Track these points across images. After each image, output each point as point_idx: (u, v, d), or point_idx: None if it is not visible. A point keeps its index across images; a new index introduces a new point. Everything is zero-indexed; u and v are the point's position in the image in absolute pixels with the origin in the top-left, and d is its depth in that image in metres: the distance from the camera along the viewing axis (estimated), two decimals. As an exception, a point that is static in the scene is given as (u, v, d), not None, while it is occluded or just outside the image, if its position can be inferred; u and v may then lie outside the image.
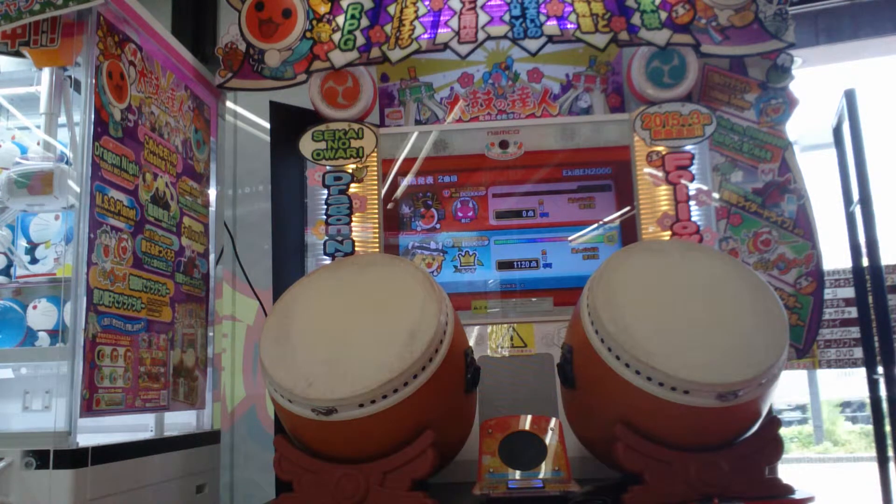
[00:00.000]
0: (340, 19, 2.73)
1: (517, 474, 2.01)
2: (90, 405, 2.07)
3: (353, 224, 2.70)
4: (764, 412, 1.81)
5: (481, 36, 2.65)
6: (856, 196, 3.06)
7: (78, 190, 2.17)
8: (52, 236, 2.55)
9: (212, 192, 3.00)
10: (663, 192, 2.63)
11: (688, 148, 2.64)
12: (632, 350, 1.72)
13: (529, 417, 2.13)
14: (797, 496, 1.78)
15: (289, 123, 2.76)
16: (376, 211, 2.72)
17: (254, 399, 3.59)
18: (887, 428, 2.99)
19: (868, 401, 3.15)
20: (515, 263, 2.68)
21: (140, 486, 2.28)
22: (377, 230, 2.71)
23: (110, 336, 2.20)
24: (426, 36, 2.68)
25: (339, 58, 2.71)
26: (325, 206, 2.72)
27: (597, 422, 1.95)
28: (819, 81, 4.53)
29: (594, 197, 2.71)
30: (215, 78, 2.78)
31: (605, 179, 2.72)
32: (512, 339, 2.55)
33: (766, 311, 1.80)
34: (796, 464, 9.35)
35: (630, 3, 2.62)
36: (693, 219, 2.59)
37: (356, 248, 2.68)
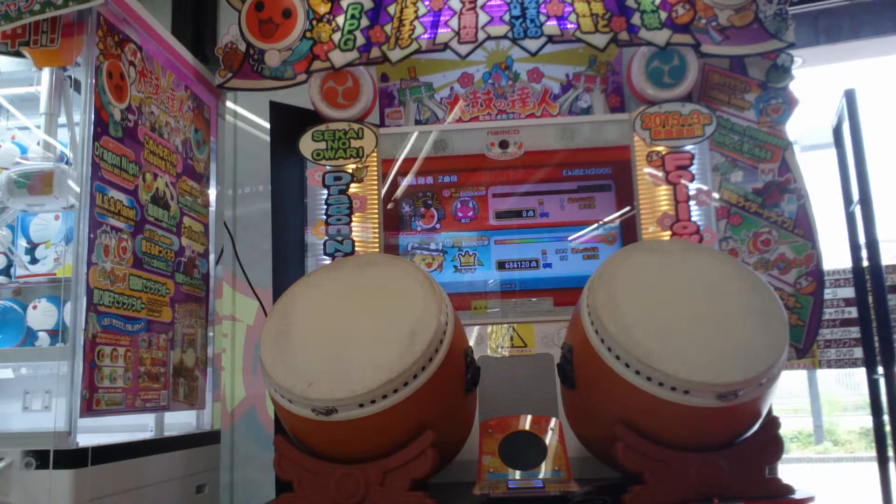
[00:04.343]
0: (340, 19, 2.73)
1: (517, 474, 2.01)
2: (90, 405, 2.07)
3: (353, 224, 2.70)
4: (764, 412, 1.81)
5: (481, 36, 2.65)
6: (856, 196, 3.06)
7: (78, 190, 2.17)
8: (52, 236, 2.55)
9: (212, 192, 3.00)
10: (663, 192, 2.63)
11: (688, 148, 2.64)
12: (632, 350, 1.72)
13: (529, 417, 2.13)
14: (797, 496, 1.78)
15: (289, 123, 2.76)
16: (376, 211, 2.72)
17: (254, 399, 3.59)
18: (887, 428, 2.99)
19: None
20: (515, 263, 2.68)
21: (140, 486, 2.28)
22: (377, 230, 2.71)
23: (110, 336, 2.20)
24: (426, 36, 2.68)
25: (339, 58, 2.71)
26: (325, 206, 2.72)
27: (597, 422, 1.95)
28: (819, 81, 4.53)
29: (594, 197, 2.71)
30: (215, 78, 2.78)
31: (605, 179, 2.72)
32: (512, 339, 2.55)
33: (767, 311, 1.80)
34: (796, 464, 9.35)
35: (630, 3, 2.62)
36: (693, 219, 2.59)
37: (356, 248, 2.69)
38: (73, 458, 1.97)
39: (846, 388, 12.89)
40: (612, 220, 2.68)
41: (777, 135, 2.63)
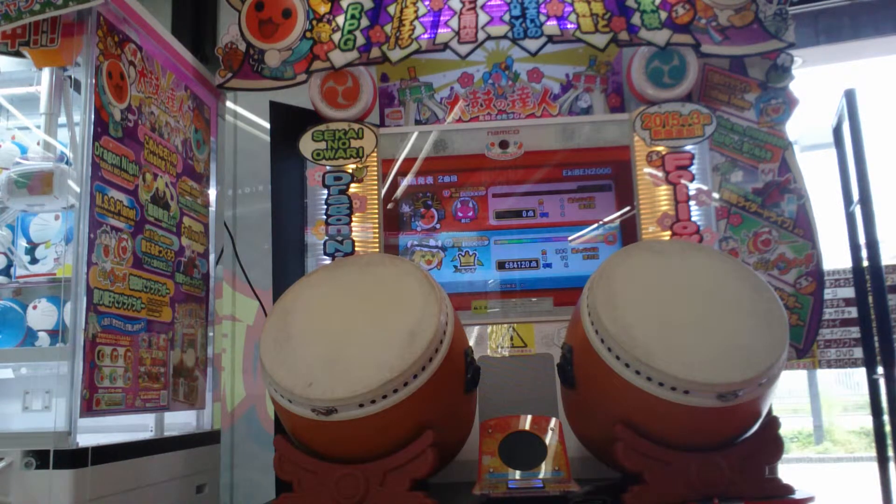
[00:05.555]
0: (340, 19, 2.73)
1: (517, 474, 2.01)
2: (90, 405, 2.07)
3: (353, 224, 2.70)
4: (764, 412, 1.81)
5: (481, 36, 2.65)
6: (856, 196, 3.06)
7: (78, 190, 2.17)
8: (52, 236, 2.55)
9: (212, 192, 3.00)
10: (663, 192, 2.63)
11: (688, 148, 2.64)
12: (632, 350, 1.72)
13: (529, 417, 2.13)
14: (797, 496, 1.78)
15: (289, 123, 2.75)
16: (376, 211, 2.72)
17: (254, 399, 3.59)
18: (887, 428, 2.99)
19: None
20: (515, 263, 2.68)
21: (140, 486, 2.28)
22: (377, 230, 2.71)
23: (110, 336, 2.20)
24: (426, 36, 2.68)
25: (339, 58, 2.71)
26: (325, 206, 2.72)
27: (597, 422, 1.95)
28: (819, 81, 4.54)
29: (594, 197, 2.71)
30: (215, 78, 2.78)
31: (605, 179, 2.72)
32: (512, 339, 2.55)
33: (766, 311, 1.80)
34: (796, 464, 9.35)
35: (630, 3, 2.62)
36: (693, 219, 2.59)
37: (356, 248, 2.68)
38: (73, 458, 1.97)
39: (846, 388, 12.88)
40: (612, 220, 2.68)
41: (777, 135, 2.63)
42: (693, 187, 2.61)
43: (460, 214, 2.74)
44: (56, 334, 2.41)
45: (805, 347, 2.53)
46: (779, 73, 2.64)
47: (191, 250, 2.77)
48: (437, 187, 2.76)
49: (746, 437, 1.80)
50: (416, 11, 2.69)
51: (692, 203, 2.60)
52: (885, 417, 2.97)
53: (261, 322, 3.47)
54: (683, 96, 2.66)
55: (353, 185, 2.73)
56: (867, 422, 3.57)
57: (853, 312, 3.52)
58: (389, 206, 2.74)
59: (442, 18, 2.68)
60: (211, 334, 2.91)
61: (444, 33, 2.67)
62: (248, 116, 3.78)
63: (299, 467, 1.87)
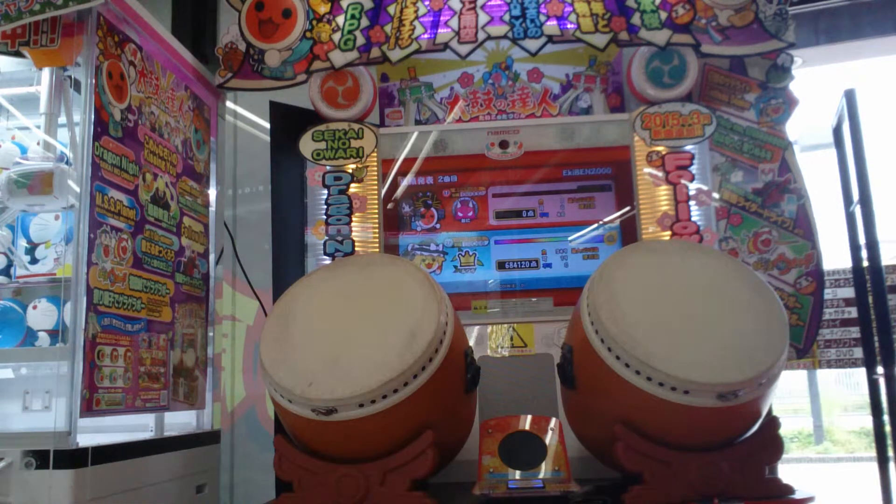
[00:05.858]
0: (340, 19, 2.73)
1: (517, 474, 2.01)
2: (90, 405, 2.07)
3: (353, 224, 2.70)
4: (764, 412, 1.81)
5: (481, 36, 2.65)
6: (856, 196, 3.06)
7: (78, 190, 2.17)
8: (52, 236, 2.55)
9: (212, 192, 3.00)
10: (663, 192, 2.63)
11: (688, 148, 2.64)
12: (632, 350, 1.72)
13: (529, 417, 2.13)
14: (797, 496, 1.78)
15: (289, 123, 2.76)
16: (376, 211, 2.72)
17: (254, 399, 3.59)
18: (887, 428, 2.99)
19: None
20: (515, 263, 2.68)
21: (140, 486, 2.28)
22: (377, 230, 2.71)
23: (110, 336, 2.20)
24: (426, 36, 2.68)
25: (339, 58, 2.71)
26: (325, 206, 2.72)
27: (597, 422, 1.96)
28: (819, 81, 4.53)
29: (594, 197, 2.71)
30: (215, 78, 2.78)
31: (605, 179, 2.72)
32: (512, 339, 2.55)
33: (766, 311, 1.80)
34: (796, 464, 9.35)
35: (630, 3, 2.62)
36: (693, 219, 2.59)
37: (356, 248, 2.68)
38: (73, 458, 1.97)
39: (846, 388, 12.89)
40: (612, 220, 2.68)
41: (777, 135, 2.63)
42: (693, 187, 2.62)
43: (460, 214, 2.74)
44: (56, 334, 2.41)
45: (805, 347, 2.53)
46: (779, 73, 2.64)
47: (191, 250, 2.77)
48: (437, 187, 2.76)
49: (746, 437, 1.80)
50: (416, 11, 2.69)
51: (692, 203, 2.60)
52: (885, 417, 2.97)
53: (261, 322, 3.47)
54: (683, 96, 2.66)
55: (353, 185, 2.73)
56: (867, 422, 3.57)
57: (853, 312, 3.52)
58: (389, 206, 2.75)
59: (442, 18, 2.68)
60: (211, 334, 2.91)
61: (444, 33, 2.67)
62: (248, 116, 3.78)
63: (299, 467, 1.87)
